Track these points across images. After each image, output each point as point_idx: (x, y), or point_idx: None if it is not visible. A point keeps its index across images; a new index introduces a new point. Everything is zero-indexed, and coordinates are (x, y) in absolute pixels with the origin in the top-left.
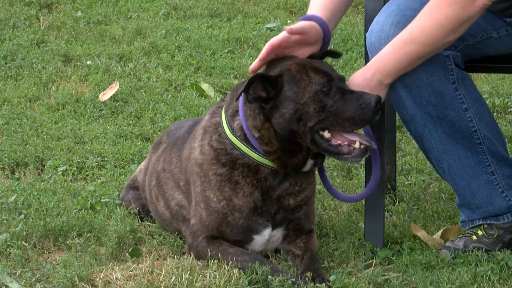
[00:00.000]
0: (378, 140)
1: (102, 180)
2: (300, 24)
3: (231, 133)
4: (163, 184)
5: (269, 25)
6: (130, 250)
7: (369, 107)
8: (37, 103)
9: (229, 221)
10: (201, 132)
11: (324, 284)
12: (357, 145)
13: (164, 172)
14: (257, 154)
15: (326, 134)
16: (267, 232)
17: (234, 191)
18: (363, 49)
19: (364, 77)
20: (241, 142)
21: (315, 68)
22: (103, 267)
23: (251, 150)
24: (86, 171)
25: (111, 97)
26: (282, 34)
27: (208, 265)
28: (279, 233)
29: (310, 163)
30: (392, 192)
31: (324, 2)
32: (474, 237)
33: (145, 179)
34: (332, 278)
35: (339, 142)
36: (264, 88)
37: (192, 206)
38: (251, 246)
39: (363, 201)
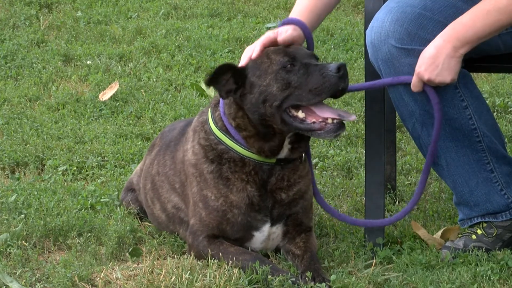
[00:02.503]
0: (378, 139)
1: (102, 180)
2: (290, 33)
3: (215, 126)
4: (158, 188)
5: (269, 25)
6: (130, 250)
7: (330, 74)
8: (37, 103)
9: (228, 218)
10: (191, 133)
11: (324, 284)
12: (330, 120)
13: (159, 175)
14: (241, 147)
15: (300, 114)
16: (266, 229)
17: (227, 187)
18: (363, 48)
19: (436, 46)
20: (224, 134)
21: (276, 50)
22: (103, 267)
23: (234, 143)
24: (86, 171)
25: (111, 97)
26: (270, 34)
27: (208, 265)
28: (278, 229)
29: (287, 147)
30: (392, 192)
31: (308, 5)
32: (474, 237)
33: (140, 182)
34: (332, 277)
35: (314, 120)
36: (234, 80)
37: (190, 207)
38: (251, 244)
39: (363, 200)
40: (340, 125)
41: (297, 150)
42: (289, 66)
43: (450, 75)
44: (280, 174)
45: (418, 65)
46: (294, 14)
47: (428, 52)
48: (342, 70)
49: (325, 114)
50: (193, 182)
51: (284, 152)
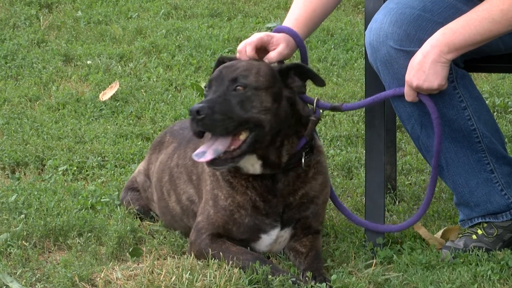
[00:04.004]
0: (378, 139)
1: (102, 179)
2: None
3: None
4: (176, 179)
5: (269, 25)
6: (130, 250)
7: (190, 116)
8: (37, 102)
9: (235, 219)
10: None
11: (324, 284)
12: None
13: (178, 167)
14: None
15: None
16: (275, 233)
17: (233, 189)
18: (363, 48)
19: (423, 52)
20: None
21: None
22: (104, 267)
23: None
24: (87, 170)
25: (112, 96)
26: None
27: (208, 265)
28: (286, 233)
29: (258, 163)
30: (392, 191)
31: (302, 13)
32: (474, 237)
33: (146, 180)
34: (333, 277)
35: None
36: None
37: (201, 204)
38: (257, 246)
39: (363, 200)
40: (209, 163)
41: (268, 167)
42: (206, 89)
43: (437, 80)
44: (286, 180)
45: (407, 73)
46: (290, 21)
47: (416, 59)
48: (192, 115)
49: (204, 147)
50: (207, 180)
51: (256, 168)
